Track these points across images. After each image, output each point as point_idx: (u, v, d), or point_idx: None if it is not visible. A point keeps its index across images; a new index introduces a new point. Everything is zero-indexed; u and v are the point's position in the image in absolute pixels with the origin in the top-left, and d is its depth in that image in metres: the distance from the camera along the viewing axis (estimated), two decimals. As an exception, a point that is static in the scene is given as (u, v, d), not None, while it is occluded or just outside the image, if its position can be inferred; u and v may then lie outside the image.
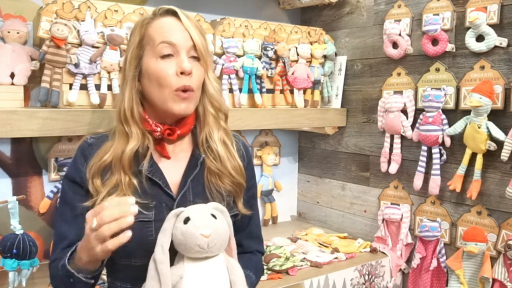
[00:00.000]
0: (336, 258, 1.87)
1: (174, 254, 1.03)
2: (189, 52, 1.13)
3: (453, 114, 1.79)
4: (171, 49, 1.12)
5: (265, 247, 1.87)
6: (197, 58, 1.15)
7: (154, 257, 1.00)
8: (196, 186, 1.17)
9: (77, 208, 1.13)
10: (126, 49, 1.21)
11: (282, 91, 2.07)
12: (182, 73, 1.11)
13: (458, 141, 1.78)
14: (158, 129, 1.15)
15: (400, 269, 1.98)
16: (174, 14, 1.15)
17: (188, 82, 1.12)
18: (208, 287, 1.00)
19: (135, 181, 1.12)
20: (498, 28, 1.67)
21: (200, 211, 1.02)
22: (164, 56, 1.12)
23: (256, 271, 1.25)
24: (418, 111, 1.90)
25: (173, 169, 1.18)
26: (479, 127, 1.66)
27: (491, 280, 1.66)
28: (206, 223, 0.99)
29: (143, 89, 1.16)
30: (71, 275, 1.04)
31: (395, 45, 1.96)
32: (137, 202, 1.08)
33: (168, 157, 1.18)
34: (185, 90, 1.12)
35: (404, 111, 1.94)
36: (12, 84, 1.52)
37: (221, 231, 1.01)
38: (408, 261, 1.97)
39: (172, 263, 1.01)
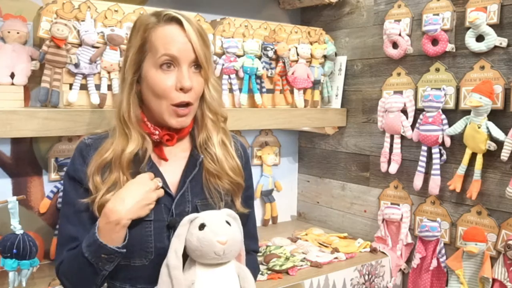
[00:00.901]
0: (336, 258, 1.87)
1: (185, 259, 1.03)
2: (191, 63, 1.13)
3: (453, 114, 1.79)
4: (172, 61, 1.11)
5: (265, 247, 1.88)
6: (199, 67, 1.14)
7: (167, 263, 1.00)
8: (195, 186, 1.17)
9: (79, 208, 1.13)
10: (126, 48, 1.20)
11: (282, 91, 2.07)
12: (181, 89, 1.11)
13: (458, 141, 1.78)
14: (157, 132, 1.16)
15: (400, 269, 1.98)
16: (179, 22, 1.12)
17: (187, 98, 1.12)
18: None
19: None
20: (498, 28, 1.67)
21: (215, 218, 1.03)
22: (164, 68, 1.11)
23: (254, 271, 1.26)
24: (418, 111, 1.90)
25: (171, 169, 1.18)
26: (479, 127, 1.66)
27: (491, 280, 1.66)
28: (223, 230, 1.00)
29: (142, 94, 1.16)
30: (103, 248, 1.04)
31: (395, 45, 1.96)
32: None
33: (165, 160, 1.18)
34: (183, 105, 1.12)
35: (404, 111, 1.94)
36: (12, 84, 1.52)
37: (236, 238, 1.02)
38: (408, 261, 1.97)
39: (182, 268, 1.01)
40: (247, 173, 1.28)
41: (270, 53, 1.99)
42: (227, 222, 1.02)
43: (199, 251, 0.99)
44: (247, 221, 1.28)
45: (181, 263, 0.99)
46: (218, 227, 1.00)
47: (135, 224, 1.10)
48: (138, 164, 1.14)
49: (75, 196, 1.14)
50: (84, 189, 1.13)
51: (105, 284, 1.21)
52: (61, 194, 1.76)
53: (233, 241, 1.00)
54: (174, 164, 1.18)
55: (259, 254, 1.60)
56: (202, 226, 1.00)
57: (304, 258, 1.84)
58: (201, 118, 1.20)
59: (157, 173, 1.15)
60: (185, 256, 1.03)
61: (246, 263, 1.22)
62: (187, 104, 1.13)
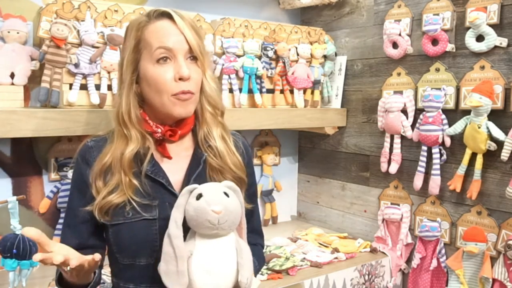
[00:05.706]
0: (336, 258, 1.87)
1: (187, 231, 1.05)
2: (186, 55, 1.13)
3: (453, 114, 1.79)
4: (168, 54, 1.12)
5: (265, 247, 1.88)
6: (195, 58, 1.15)
7: (168, 233, 1.02)
8: (199, 184, 1.17)
9: (80, 217, 1.15)
10: (121, 50, 1.21)
11: (282, 91, 2.07)
12: (180, 79, 1.11)
13: (458, 141, 1.78)
14: (159, 130, 1.16)
15: (400, 269, 1.98)
16: (169, 16, 1.14)
17: (187, 87, 1.12)
18: (215, 265, 1.02)
19: (136, 182, 1.12)
20: (498, 28, 1.67)
21: (213, 188, 1.05)
22: (161, 62, 1.12)
23: (259, 259, 1.28)
24: (418, 111, 1.90)
25: (175, 168, 1.18)
26: (479, 127, 1.66)
27: (491, 280, 1.66)
28: (218, 199, 1.01)
29: (142, 93, 1.16)
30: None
31: (395, 45, 1.96)
32: (139, 202, 1.11)
33: (169, 158, 1.18)
34: (184, 93, 1.12)
35: (404, 111, 1.94)
36: (12, 84, 1.52)
37: (232, 209, 1.03)
38: (408, 261, 1.97)
39: (185, 239, 1.03)
40: (250, 171, 1.28)
41: (270, 53, 1.99)
42: (225, 194, 1.04)
43: (194, 221, 1.01)
44: (252, 217, 1.30)
45: (181, 233, 1.01)
46: (214, 197, 1.01)
47: (140, 223, 1.11)
48: (140, 164, 1.14)
49: (78, 204, 1.16)
50: (89, 196, 1.14)
51: (106, 285, 1.21)
52: (61, 194, 1.76)
53: (228, 212, 1.01)
54: (177, 163, 1.19)
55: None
56: (199, 196, 1.02)
57: (304, 258, 1.84)
58: (200, 112, 1.21)
59: (160, 172, 1.15)
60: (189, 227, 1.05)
61: (252, 252, 1.24)
62: (188, 93, 1.13)
